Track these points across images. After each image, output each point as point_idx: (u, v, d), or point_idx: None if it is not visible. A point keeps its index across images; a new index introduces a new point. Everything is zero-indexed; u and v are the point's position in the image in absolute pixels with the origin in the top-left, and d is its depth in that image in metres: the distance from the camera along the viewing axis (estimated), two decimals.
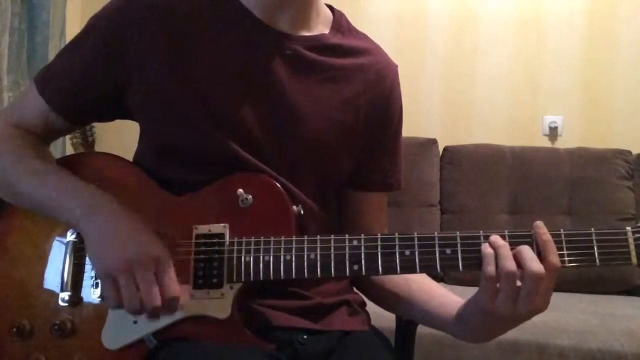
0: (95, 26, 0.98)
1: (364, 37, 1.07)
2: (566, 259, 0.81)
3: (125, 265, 0.82)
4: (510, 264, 0.79)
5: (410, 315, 1.05)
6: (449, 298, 0.96)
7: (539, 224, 0.82)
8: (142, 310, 0.83)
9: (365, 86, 1.02)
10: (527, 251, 0.80)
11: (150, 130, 1.00)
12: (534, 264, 0.79)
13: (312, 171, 0.99)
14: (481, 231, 0.83)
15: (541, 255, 0.80)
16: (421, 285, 1.00)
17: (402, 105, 1.08)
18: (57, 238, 0.95)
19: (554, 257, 0.80)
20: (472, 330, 0.90)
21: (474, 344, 0.97)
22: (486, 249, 0.81)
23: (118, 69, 0.95)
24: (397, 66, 1.08)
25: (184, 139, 0.94)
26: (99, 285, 0.90)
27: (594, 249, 0.81)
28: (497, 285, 0.80)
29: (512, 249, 0.81)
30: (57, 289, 0.92)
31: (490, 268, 0.80)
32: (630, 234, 0.81)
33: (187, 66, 0.94)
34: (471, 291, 0.86)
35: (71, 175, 0.94)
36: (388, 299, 1.04)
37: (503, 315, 0.81)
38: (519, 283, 0.79)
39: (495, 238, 0.82)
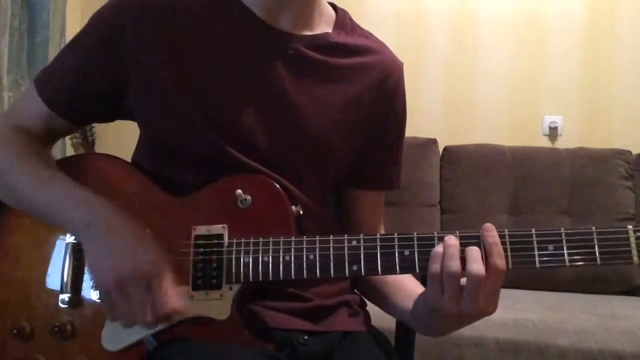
0: (93, 26, 0.97)
1: (368, 34, 1.06)
2: (567, 258, 0.80)
3: (117, 284, 0.82)
4: (452, 264, 0.79)
5: (381, 305, 1.05)
6: (413, 292, 0.96)
7: (488, 226, 0.82)
8: (137, 324, 0.84)
9: (370, 85, 1.01)
10: (472, 252, 0.80)
11: (149, 131, 0.99)
12: (475, 265, 0.78)
13: (314, 171, 0.99)
14: (480, 230, 0.82)
15: (487, 257, 0.80)
16: (395, 277, 1.01)
17: (405, 103, 1.08)
18: (57, 239, 0.95)
19: (497, 260, 0.79)
20: (425, 324, 0.92)
21: (430, 337, 0.98)
22: (436, 247, 0.81)
23: (116, 69, 0.95)
24: (402, 64, 1.07)
25: (183, 140, 0.94)
26: None
27: (595, 248, 0.80)
28: (442, 284, 0.81)
29: (463, 250, 0.80)
30: (57, 291, 0.91)
31: (434, 266, 0.80)
32: (631, 233, 0.80)
33: (187, 67, 0.94)
34: None
35: (70, 183, 0.93)
36: (366, 290, 1.07)
37: (448, 313, 0.81)
38: (464, 283, 0.80)
39: (448, 238, 0.82)
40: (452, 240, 0.81)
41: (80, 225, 0.88)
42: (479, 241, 0.81)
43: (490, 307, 0.81)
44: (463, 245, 0.81)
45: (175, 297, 0.84)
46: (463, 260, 0.80)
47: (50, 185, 0.93)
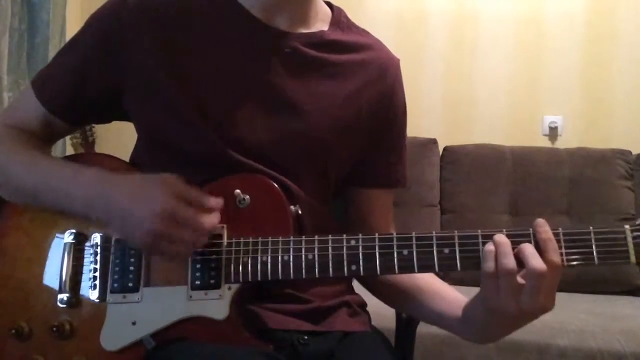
0: (91, 27, 0.98)
1: (364, 32, 1.06)
2: (564, 257, 0.80)
3: (150, 237, 0.82)
4: (508, 261, 0.78)
5: (415, 313, 1.04)
6: (455, 296, 0.95)
7: (540, 221, 0.80)
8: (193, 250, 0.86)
9: (367, 82, 1.01)
10: (528, 248, 0.79)
11: (147, 132, 0.99)
12: (536, 261, 0.77)
13: (313, 169, 0.99)
14: (479, 230, 0.82)
15: (542, 254, 0.79)
16: (428, 284, 0.99)
17: (405, 99, 1.07)
18: (55, 239, 0.94)
19: (554, 255, 0.78)
20: (479, 329, 0.90)
21: (480, 344, 0.97)
22: (488, 246, 0.80)
23: (114, 70, 0.95)
24: (399, 60, 1.07)
25: (181, 140, 0.94)
26: (97, 287, 0.90)
27: (592, 248, 0.80)
28: (498, 282, 0.79)
29: (514, 248, 0.79)
30: (55, 290, 0.91)
31: (488, 264, 0.79)
32: (629, 233, 0.79)
33: (184, 67, 0.94)
34: (474, 291, 0.86)
35: (69, 164, 0.94)
36: (394, 297, 1.04)
37: (508, 313, 0.80)
38: (521, 281, 0.78)
39: (498, 236, 0.80)
40: (503, 238, 0.80)
41: (84, 206, 0.88)
42: (528, 239, 0.80)
43: (549, 304, 0.80)
44: (513, 244, 0.80)
45: (203, 214, 0.84)
46: (516, 258, 0.79)
47: (51, 169, 0.94)
